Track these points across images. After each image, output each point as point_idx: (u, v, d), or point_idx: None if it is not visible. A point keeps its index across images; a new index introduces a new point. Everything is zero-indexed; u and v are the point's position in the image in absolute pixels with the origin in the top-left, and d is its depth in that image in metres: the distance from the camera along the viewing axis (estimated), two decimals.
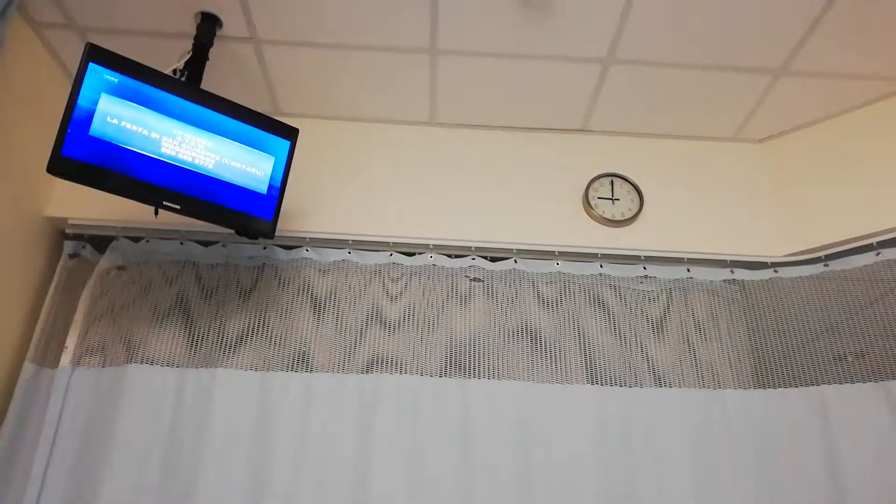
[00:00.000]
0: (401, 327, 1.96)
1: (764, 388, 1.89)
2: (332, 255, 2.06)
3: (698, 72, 1.99)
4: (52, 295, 1.97)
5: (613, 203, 2.12)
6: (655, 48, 1.91)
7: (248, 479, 1.73)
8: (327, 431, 1.79)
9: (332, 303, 1.99)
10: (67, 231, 2.05)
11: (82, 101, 1.54)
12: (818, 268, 2.00)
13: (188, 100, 1.70)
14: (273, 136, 1.84)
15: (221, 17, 1.87)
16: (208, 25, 1.86)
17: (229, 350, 1.91)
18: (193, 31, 1.87)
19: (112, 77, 1.59)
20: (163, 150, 1.65)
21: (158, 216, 1.81)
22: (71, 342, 1.91)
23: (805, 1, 1.75)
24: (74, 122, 1.53)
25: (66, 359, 1.88)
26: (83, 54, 1.56)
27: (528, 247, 2.07)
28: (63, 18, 1.89)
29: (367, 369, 1.89)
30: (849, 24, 1.81)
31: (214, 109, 1.74)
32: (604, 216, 2.09)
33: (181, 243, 2.07)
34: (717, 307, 2.03)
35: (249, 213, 1.78)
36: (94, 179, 1.55)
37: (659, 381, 1.91)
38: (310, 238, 2.07)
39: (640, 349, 1.95)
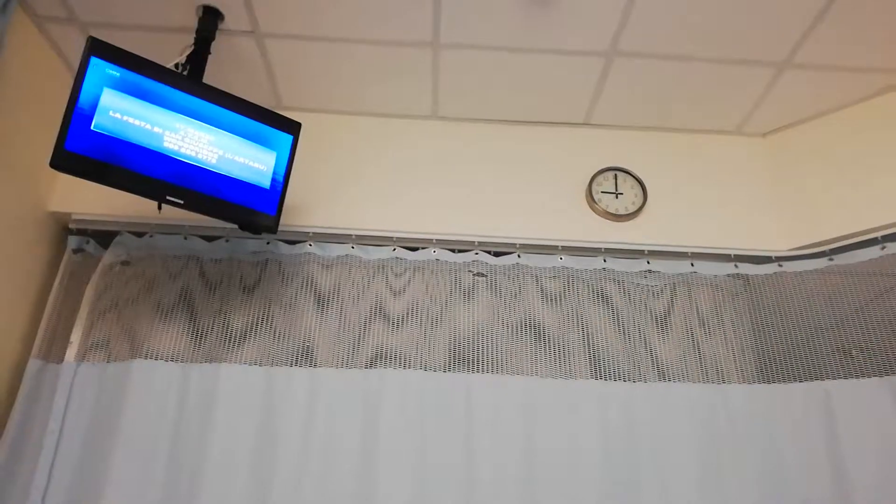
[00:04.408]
0: (404, 322, 1.96)
1: (768, 382, 1.89)
2: (336, 249, 2.06)
3: (702, 65, 1.98)
4: (57, 290, 1.97)
5: (617, 197, 2.12)
6: (659, 41, 1.90)
7: (252, 473, 1.74)
8: (331, 426, 1.79)
9: (335, 297, 1.99)
10: (71, 226, 2.05)
11: (84, 95, 1.54)
12: (823, 262, 2.00)
13: (190, 94, 1.70)
14: (276, 131, 1.83)
15: (223, 10, 1.86)
16: (210, 19, 1.86)
17: (233, 345, 1.92)
18: (195, 25, 1.86)
19: (114, 71, 1.59)
20: (165, 144, 1.65)
21: (162, 211, 1.81)
22: (75, 337, 1.91)
23: None
24: (77, 116, 1.53)
25: (70, 354, 1.89)
26: (85, 48, 1.56)
27: (531, 241, 2.07)
28: (65, 13, 1.88)
29: (371, 364, 1.89)
30: (853, 16, 1.79)
31: (217, 104, 1.74)
32: (607, 210, 2.09)
33: (184, 238, 2.07)
34: (721, 302, 2.02)
35: (252, 208, 1.77)
36: (97, 174, 1.55)
37: (663, 376, 1.90)
38: (313, 233, 2.07)
39: (643, 344, 1.95)
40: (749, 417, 1.81)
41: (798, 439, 1.78)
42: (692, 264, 2.06)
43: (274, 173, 1.82)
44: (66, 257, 2.04)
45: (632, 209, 2.10)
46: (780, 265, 2.04)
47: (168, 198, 1.64)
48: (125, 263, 2.04)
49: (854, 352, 1.83)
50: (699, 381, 1.89)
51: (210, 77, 1.94)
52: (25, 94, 1.89)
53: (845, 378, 1.81)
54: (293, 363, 1.89)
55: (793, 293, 1.99)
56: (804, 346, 1.90)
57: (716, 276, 2.06)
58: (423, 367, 1.89)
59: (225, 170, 1.73)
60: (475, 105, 2.19)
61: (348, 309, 1.98)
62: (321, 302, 1.99)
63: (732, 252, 2.06)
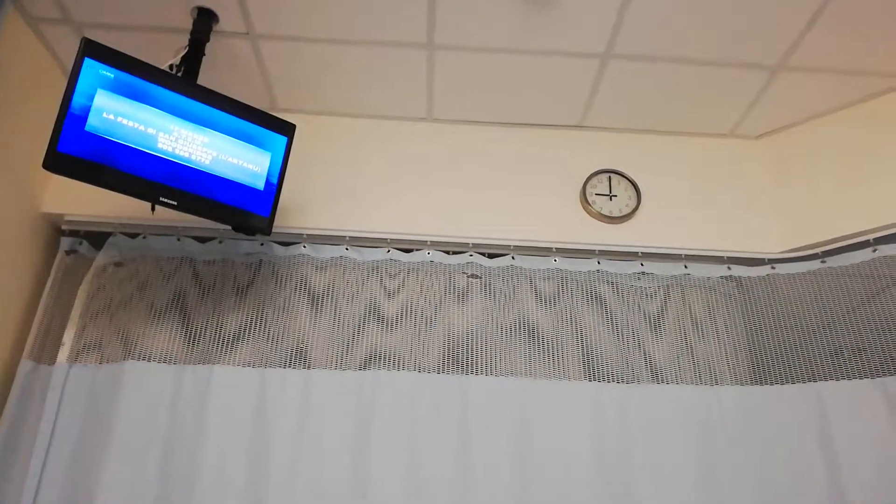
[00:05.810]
0: (398, 324, 1.96)
1: (761, 384, 1.89)
2: (330, 251, 2.06)
3: (696, 67, 1.99)
4: (49, 291, 1.97)
5: (611, 199, 2.12)
6: (653, 44, 1.91)
7: (245, 475, 1.73)
8: (325, 428, 1.79)
9: (329, 299, 1.99)
10: (64, 227, 2.05)
11: (78, 96, 1.54)
12: (815, 264, 2.00)
13: (184, 95, 1.69)
14: (270, 132, 1.83)
15: (218, 12, 1.86)
16: (204, 20, 1.85)
17: (226, 346, 1.91)
18: (190, 27, 1.86)
19: (108, 72, 1.59)
20: (159, 145, 1.64)
21: (155, 212, 1.81)
22: (68, 339, 1.91)
23: None
24: (70, 117, 1.52)
25: (63, 355, 1.88)
26: (79, 49, 1.55)
27: (525, 243, 2.07)
28: (59, 13, 1.88)
29: (365, 366, 1.89)
30: (847, 19, 1.80)
31: (211, 105, 1.74)
32: (601, 212, 2.09)
33: (178, 239, 2.06)
34: (715, 304, 2.03)
35: (246, 209, 1.77)
36: (90, 175, 1.55)
37: (656, 378, 1.91)
38: (307, 234, 2.06)
39: (637, 345, 1.95)
40: (742, 419, 1.82)
41: (791, 441, 1.78)
42: (685, 266, 2.07)
43: (268, 175, 1.82)
44: (58, 258, 2.03)
45: (626, 211, 2.10)
46: (773, 267, 2.05)
47: (161, 199, 1.64)
48: (118, 264, 2.04)
49: (846, 353, 1.84)
50: (692, 383, 1.89)
51: (204, 78, 1.95)
52: (19, 95, 1.88)
53: (838, 380, 1.81)
54: (287, 365, 1.89)
55: (785, 295, 2.00)
56: (797, 348, 1.90)
57: (709, 277, 2.06)
58: (417, 368, 1.89)
59: (219, 171, 1.73)
60: (470, 107, 2.19)
61: (342, 310, 1.98)
62: (315, 303, 1.98)
63: (725, 254, 2.06)
